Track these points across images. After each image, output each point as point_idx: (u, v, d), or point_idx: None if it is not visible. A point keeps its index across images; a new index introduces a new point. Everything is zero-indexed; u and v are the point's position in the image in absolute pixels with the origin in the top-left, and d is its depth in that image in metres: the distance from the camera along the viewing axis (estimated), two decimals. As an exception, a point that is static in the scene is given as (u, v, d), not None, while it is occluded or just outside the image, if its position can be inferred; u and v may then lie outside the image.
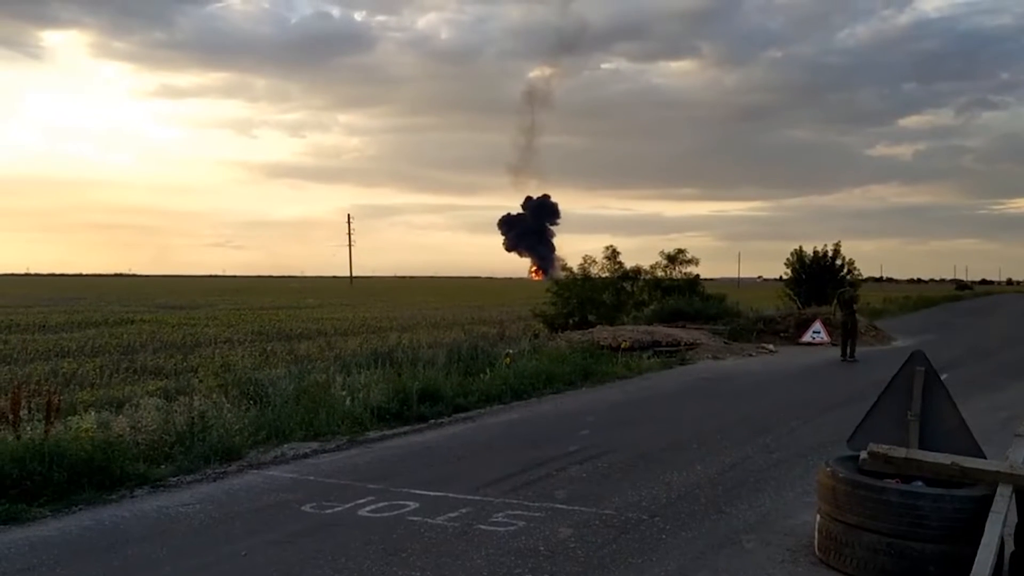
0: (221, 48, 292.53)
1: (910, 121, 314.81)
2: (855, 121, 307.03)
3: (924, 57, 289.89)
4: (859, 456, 5.63)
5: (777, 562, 5.52)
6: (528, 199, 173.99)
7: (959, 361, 17.85)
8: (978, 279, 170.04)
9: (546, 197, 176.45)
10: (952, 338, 25.63)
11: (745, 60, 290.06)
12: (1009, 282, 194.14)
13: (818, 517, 5.58)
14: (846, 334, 19.54)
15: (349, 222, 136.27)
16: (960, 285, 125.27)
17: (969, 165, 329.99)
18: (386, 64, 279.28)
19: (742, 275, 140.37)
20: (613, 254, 29.21)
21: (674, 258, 30.17)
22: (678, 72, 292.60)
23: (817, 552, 5.55)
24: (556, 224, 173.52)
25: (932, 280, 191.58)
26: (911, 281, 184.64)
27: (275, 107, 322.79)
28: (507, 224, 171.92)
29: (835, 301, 20.45)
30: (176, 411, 9.70)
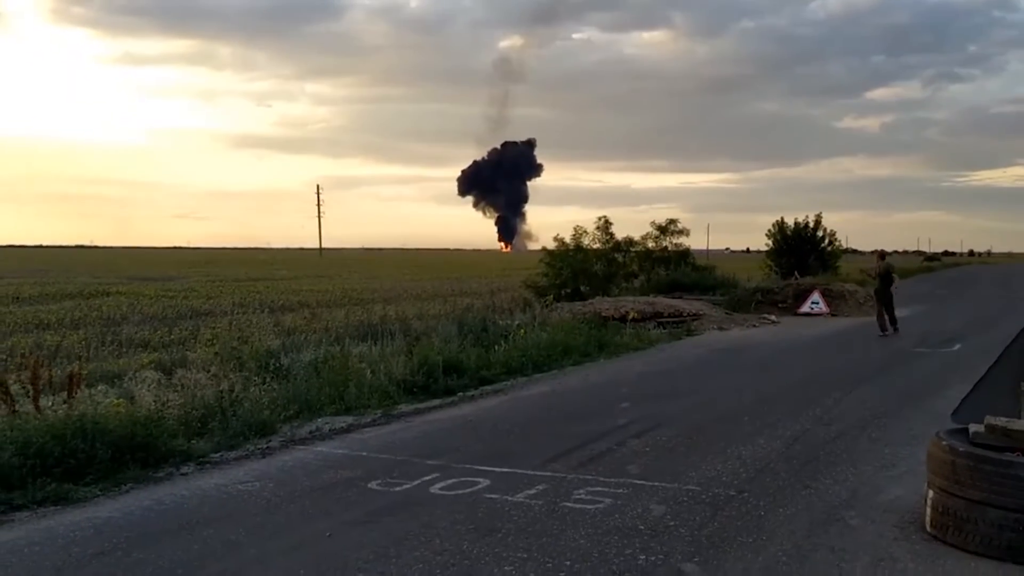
0: (185, 14, 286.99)
1: (878, 94, 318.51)
2: (824, 93, 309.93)
3: (894, 29, 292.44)
4: (968, 429, 5.42)
5: (890, 539, 5.29)
6: (503, 145, 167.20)
7: (965, 332, 17.77)
8: (940, 250, 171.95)
9: (528, 146, 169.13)
10: (946, 309, 25.76)
11: (718, 31, 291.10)
12: (971, 253, 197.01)
13: (931, 492, 5.35)
14: (883, 306, 18.09)
15: (319, 193, 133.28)
16: (928, 257, 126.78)
17: (934, 137, 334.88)
18: (355, 33, 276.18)
19: (709, 247, 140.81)
20: (605, 224, 28.90)
21: (665, 229, 29.91)
22: (650, 42, 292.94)
23: (929, 528, 5.33)
24: (537, 171, 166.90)
25: (896, 251, 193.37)
26: (875, 252, 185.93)
27: (240, 76, 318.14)
28: (472, 182, 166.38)
29: (876, 272, 19.14)
30: (206, 385, 9.32)
